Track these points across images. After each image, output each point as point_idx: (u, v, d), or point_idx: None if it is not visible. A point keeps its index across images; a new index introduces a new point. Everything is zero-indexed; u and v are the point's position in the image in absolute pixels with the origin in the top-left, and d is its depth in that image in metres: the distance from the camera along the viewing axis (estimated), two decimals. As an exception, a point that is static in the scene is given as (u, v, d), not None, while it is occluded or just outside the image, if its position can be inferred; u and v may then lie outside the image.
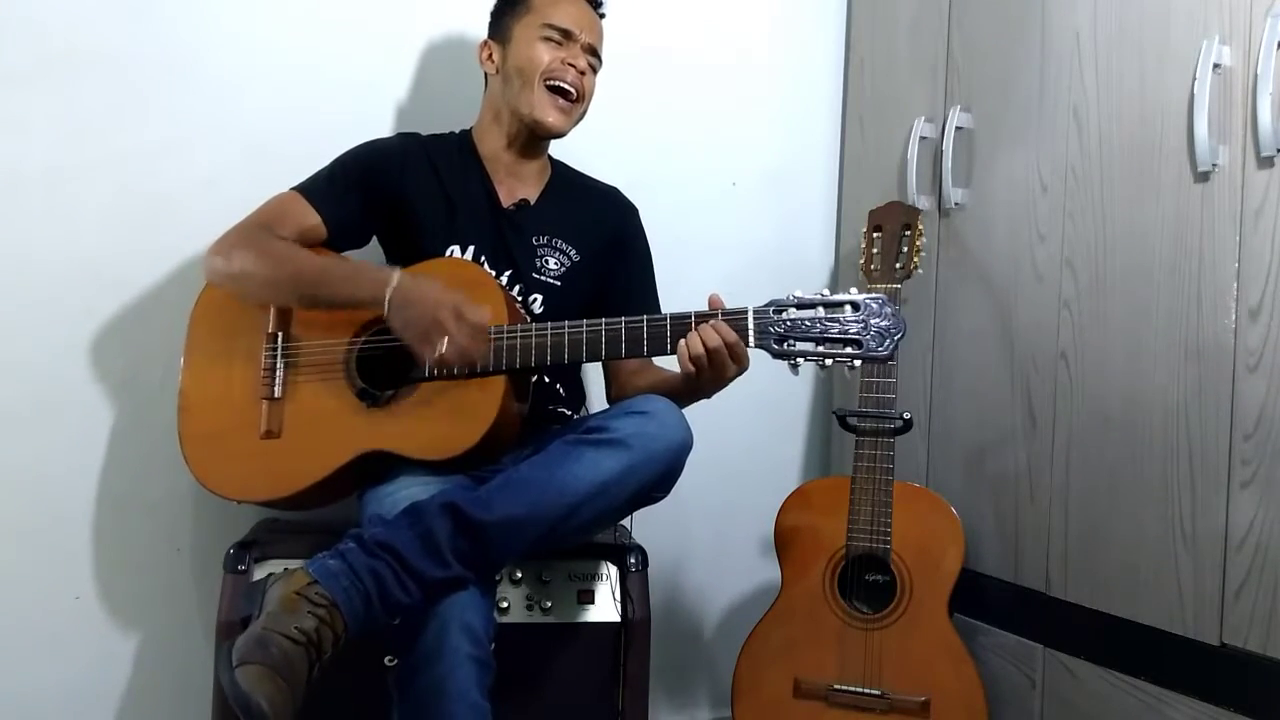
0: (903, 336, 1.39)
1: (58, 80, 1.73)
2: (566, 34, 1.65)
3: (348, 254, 1.65)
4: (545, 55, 1.64)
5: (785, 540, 1.81)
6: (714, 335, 1.41)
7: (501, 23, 1.70)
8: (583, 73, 1.66)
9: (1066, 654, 1.63)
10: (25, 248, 1.72)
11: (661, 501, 1.46)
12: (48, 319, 1.74)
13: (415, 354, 1.44)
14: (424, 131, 1.75)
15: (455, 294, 1.43)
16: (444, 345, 1.40)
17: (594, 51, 1.69)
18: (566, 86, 1.64)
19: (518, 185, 1.72)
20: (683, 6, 2.14)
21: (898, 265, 1.80)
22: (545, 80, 1.64)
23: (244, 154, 1.81)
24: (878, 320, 1.38)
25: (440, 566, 1.28)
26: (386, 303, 1.43)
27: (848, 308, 1.39)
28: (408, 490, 1.41)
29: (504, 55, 1.67)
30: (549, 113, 1.64)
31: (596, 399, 1.85)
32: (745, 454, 2.17)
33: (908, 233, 1.80)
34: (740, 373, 1.44)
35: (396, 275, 1.45)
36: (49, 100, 1.73)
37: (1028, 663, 1.69)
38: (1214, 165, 1.41)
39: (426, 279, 1.46)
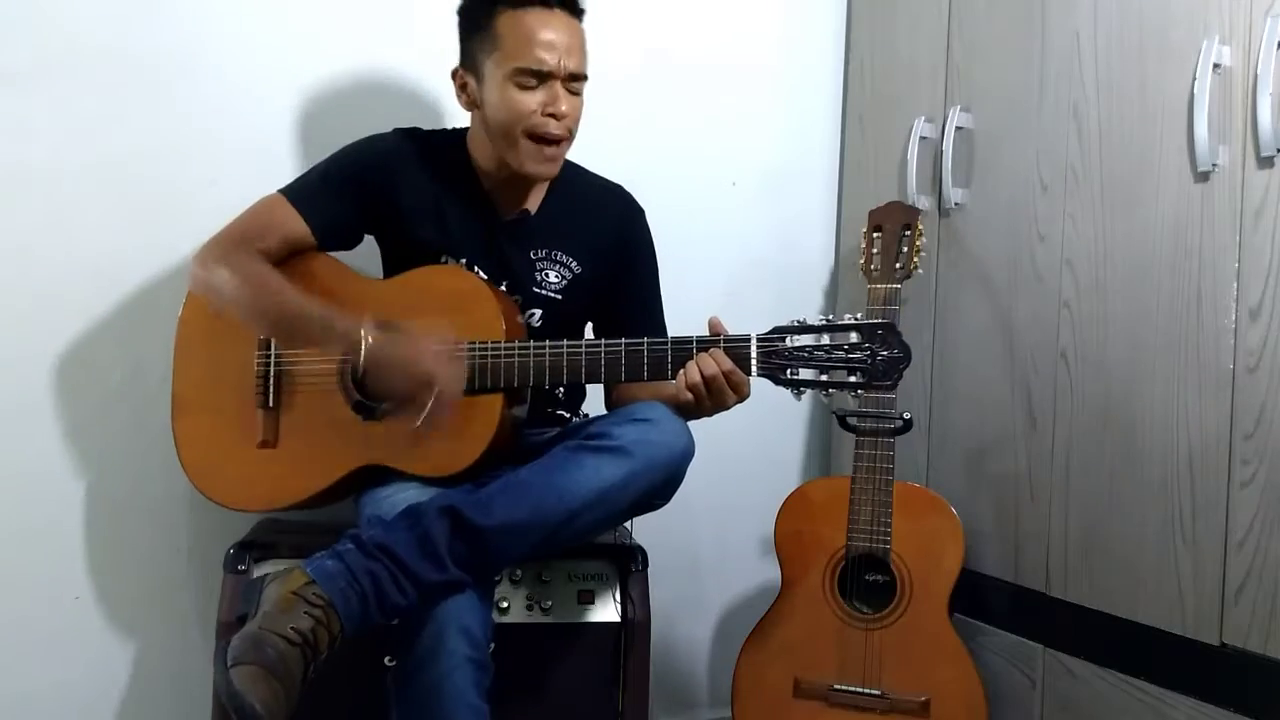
0: (907, 366, 1.37)
1: (58, 80, 1.73)
2: (541, 75, 1.49)
3: (336, 254, 1.63)
4: (521, 105, 1.49)
5: (785, 540, 1.81)
6: (711, 364, 1.40)
7: (470, 52, 1.56)
8: (564, 116, 1.52)
9: (1066, 654, 1.62)
10: (25, 248, 1.72)
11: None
12: (47, 319, 1.73)
13: (403, 414, 1.41)
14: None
15: (429, 355, 1.39)
16: (430, 407, 1.37)
17: (575, 76, 1.53)
18: (550, 136, 1.52)
19: (517, 196, 1.64)
20: (683, 7, 2.14)
21: (898, 265, 1.80)
22: (525, 134, 1.51)
23: (244, 154, 1.81)
24: (883, 350, 1.37)
25: (438, 569, 1.28)
26: (362, 365, 1.40)
27: (853, 334, 1.38)
28: (406, 493, 1.41)
29: (479, 93, 1.55)
30: (537, 165, 1.54)
31: (596, 399, 1.85)
32: (745, 454, 2.16)
33: (908, 233, 1.80)
34: (740, 400, 1.43)
35: (367, 334, 1.40)
36: (49, 100, 1.73)
37: (1028, 663, 1.69)
38: (1214, 165, 1.41)
39: (396, 337, 1.41)
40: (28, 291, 1.72)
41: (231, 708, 1.12)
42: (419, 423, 1.38)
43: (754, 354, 1.41)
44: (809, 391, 1.40)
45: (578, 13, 1.56)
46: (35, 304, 1.72)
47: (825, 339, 1.39)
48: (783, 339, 1.40)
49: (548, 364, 1.45)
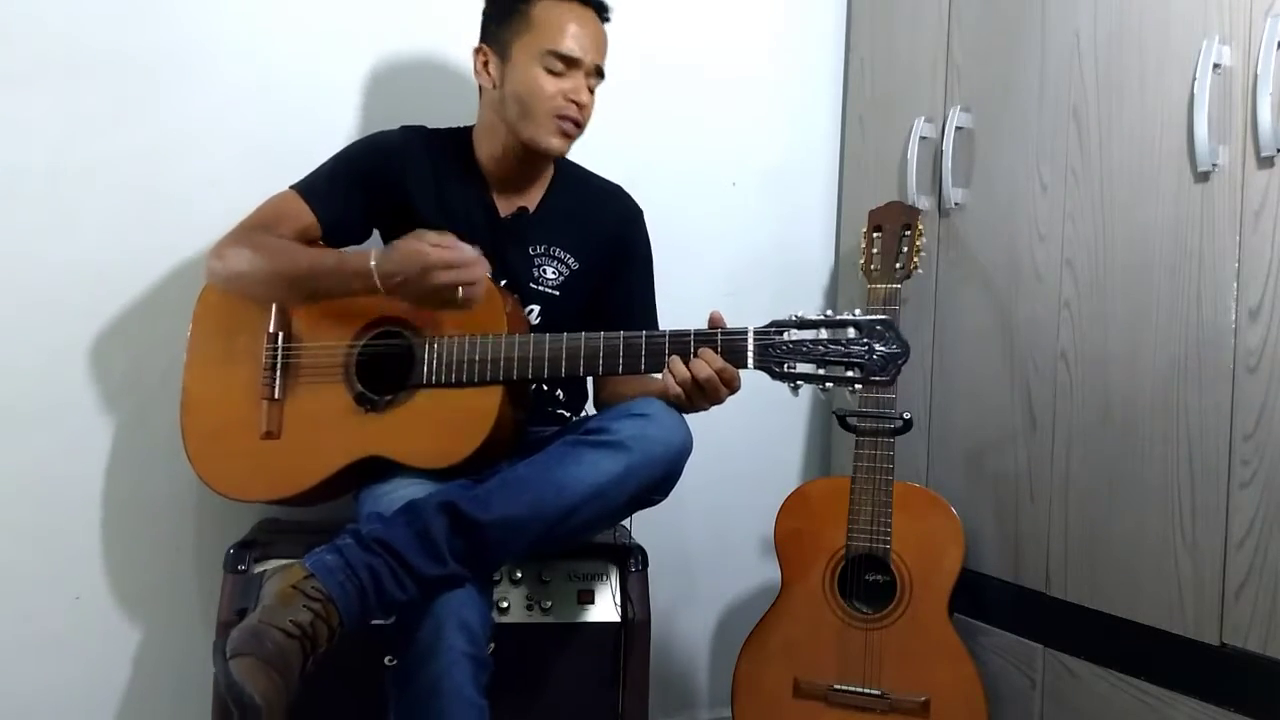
0: (905, 361, 1.36)
1: (58, 80, 1.73)
2: (571, 61, 1.57)
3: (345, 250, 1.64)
4: (548, 87, 1.56)
5: (785, 540, 1.81)
6: (704, 367, 1.40)
7: (498, 33, 1.61)
8: (585, 106, 1.60)
9: (1066, 654, 1.62)
10: (26, 248, 1.72)
11: (661, 502, 1.46)
12: (49, 319, 1.73)
13: (441, 308, 1.44)
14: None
15: (427, 246, 1.41)
16: (459, 293, 1.41)
17: (599, 72, 1.62)
18: (571, 118, 1.59)
19: (516, 194, 1.68)
20: (683, 7, 2.14)
21: (898, 265, 1.80)
22: (546, 114, 1.57)
23: (244, 154, 1.81)
24: (881, 345, 1.36)
25: (437, 564, 1.28)
26: (380, 287, 1.43)
27: (851, 329, 1.37)
28: (405, 489, 1.41)
29: (502, 73, 1.60)
30: (553, 139, 1.59)
31: (596, 399, 1.85)
32: (745, 454, 2.17)
33: (908, 233, 1.81)
34: (732, 393, 1.43)
35: (372, 258, 1.44)
36: (49, 100, 1.73)
37: (1028, 663, 1.69)
38: (1214, 165, 1.41)
39: (395, 246, 1.45)
40: (28, 292, 1.72)
41: (230, 698, 1.13)
42: (459, 298, 1.41)
43: (750, 347, 1.40)
44: (807, 389, 1.40)
45: (606, 19, 1.65)
46: (35, 304, 1.73)
47: (823, 334, 1.38)
48: (780, 333, 1.39)
49: (546, 354, 1.45)
